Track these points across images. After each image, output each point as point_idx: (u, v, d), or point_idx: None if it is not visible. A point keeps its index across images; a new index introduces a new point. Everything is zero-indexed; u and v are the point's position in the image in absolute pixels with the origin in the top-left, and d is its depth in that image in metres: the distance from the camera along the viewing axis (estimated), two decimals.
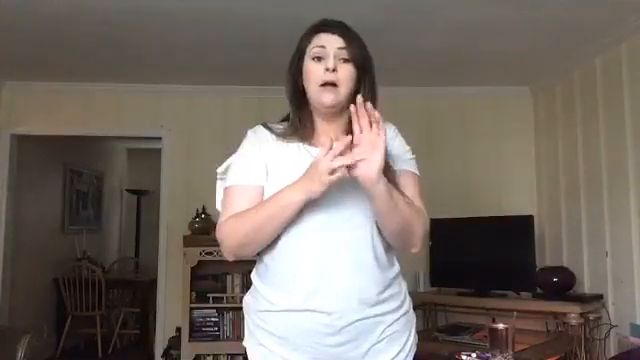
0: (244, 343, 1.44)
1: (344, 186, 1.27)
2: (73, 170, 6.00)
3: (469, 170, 4.46)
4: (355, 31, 1.38)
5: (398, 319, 1.37)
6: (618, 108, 3.30)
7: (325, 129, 1.39)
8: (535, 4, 2.94)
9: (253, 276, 1.42)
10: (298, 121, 1.40)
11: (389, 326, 1.35)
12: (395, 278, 1.39)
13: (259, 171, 1.37)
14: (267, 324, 1.34)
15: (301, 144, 1.38)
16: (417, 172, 1.44)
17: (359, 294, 1.29)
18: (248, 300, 1.43)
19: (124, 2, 2.93)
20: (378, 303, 1.32)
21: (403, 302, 1.41)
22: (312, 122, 1.41)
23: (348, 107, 1.34)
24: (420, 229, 1.36)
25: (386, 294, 1.34)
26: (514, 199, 4.33)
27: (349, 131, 1.31)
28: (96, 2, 2.92)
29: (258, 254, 1.39)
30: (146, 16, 3.11)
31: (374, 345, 1.32)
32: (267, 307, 1.34)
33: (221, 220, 1.37)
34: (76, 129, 4.54)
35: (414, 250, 1.40)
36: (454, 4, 2.96)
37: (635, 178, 3.16)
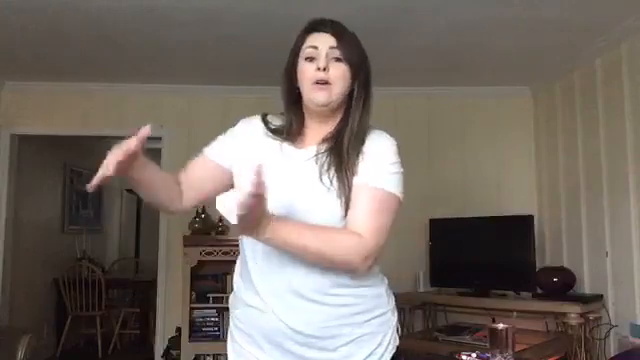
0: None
1: (298, 193, 1.29)
2: (73, 170, 6.00)
3: (469, 170, 4.46)
4: (349, 30, 1.37)
5: (369, 321, 1.33)
6: (618, 108, 3.30)
7: (316, 129, 1.38)
8: (535, 4, 2.94)
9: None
10: (289, 121, 1.39)
11: (358, 328, 1.31)
12: (360, 279, 1.32)
13: (225, 154, 1.41)
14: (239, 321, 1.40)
15: (285, 144, 1.37)
16: (388, 188, 1.29)
17: (310, 295, 1.28)
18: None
19: (124, 2, 2.93)
20: (337, 305, 1.29)
21: (376, 305, 1.36)
22: (302, 123, 1.40)
23: (341, 107, 1.36)
24: (345, 258, 1.24)
25: (345, 296, 1.31)
26: (514, 199, 4.33)
27: (337, 127, 1.34)
28: (96, 2, 2.92)
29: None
30: (146, 16, 3.11)
31: (340, 347, 1.30)
32: (237, 305, 1.41)
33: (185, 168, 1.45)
34: (76, 129, 4.54)
35: (358, 271, 1.27)
36: (454, 4, 2.96)
37: (635, 178, 3.16)
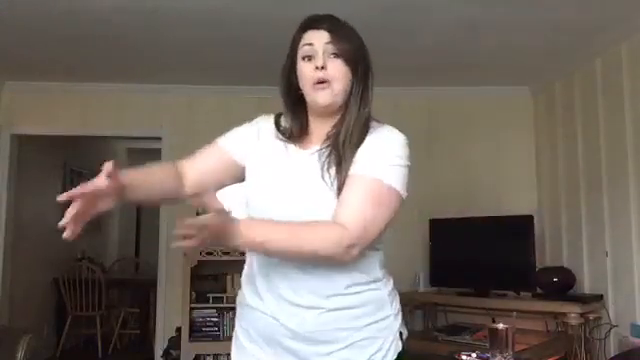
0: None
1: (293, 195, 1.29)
2: (73, 170, 6.00)
3: (469, 170, 4.46)
4: (345, 23, 1.35)
5: (369, 325, 1.29)
6: (618, 108, 3.30)
7: (321, 128, 1.36)
8: (535, 4, 2.94)
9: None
10: (294, 121, 1.38)
11: (356, 332, 1.28)
12: (362, 281, 1.30)
13: (240, 147, 1.40)
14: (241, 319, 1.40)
15: (291, 145, 1.36)
16: (387, 180, 1.25)
17: (308, 297, 1.27)
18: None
19: (124, 2, 2.93)
20: (335, 309, 1.27)
21: (377, 308, 1.32)
22: (306, 123, 1.38)
23: (344, 104, 1.34)
24: (325, 251, 1.20)
25: (346, 298, 1.28)
26: (514, 199, 4.33)
27: (337, 124, 1.33)
28: (96, 2, 2.92)
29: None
30: (146, 16, 3.11)
31: (336, 351, 1.27)
32: (240, 303, 1.41)
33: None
34: (76, 129, 4.54)
35: (343, 262, 1.23)
36: (454, 3, 2.96)
37: (635, 178, 3.16)
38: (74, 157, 5.95)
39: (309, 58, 1.31)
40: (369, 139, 1.30)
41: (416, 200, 4.21)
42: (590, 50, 3.55)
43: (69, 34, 3.38)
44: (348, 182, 1.24)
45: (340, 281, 1.27)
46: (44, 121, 4.44)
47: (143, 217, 7.23)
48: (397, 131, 1.35)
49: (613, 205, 3.37)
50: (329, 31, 1.31)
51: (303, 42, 1.33)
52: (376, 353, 1.29)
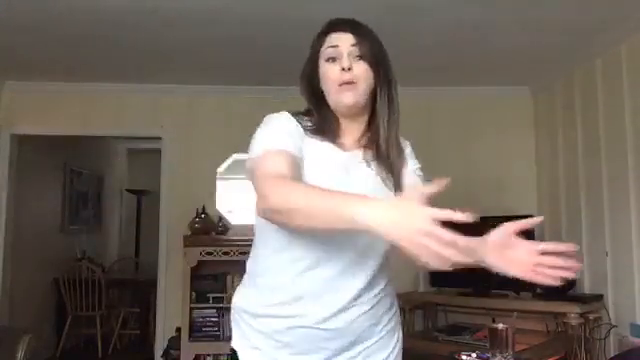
0: (233, 344, 1.42)
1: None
2: (73, 170, 6.00)
3: (469, 170, 4.46)
4: (367, 26, 1.37)
5: (393, 316, 1.41)
6: (618, 108, 3.30)
7: (349, 128, 1.38)
8: (535, 4, 2.94)
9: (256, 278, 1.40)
10: (324, 123, 1.36)
11: (385, 325, 1.38)
12: (385, 277, 1.39)
13: (297, 145, 1.28)
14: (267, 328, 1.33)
15: (331, 144, 1.35)
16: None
17: (350, 297, 1.30)
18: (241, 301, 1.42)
19: (124, 2, 2.93)
20: (372, 306, 1.34)
21: (393, 302, 1.44)
22: (338, 123, 1.37)
23: (368, 104, 1.36)
24: None
25: (377, 296, 1.36)
26: (514, 199, 4.33)
27: (369, 129, 1.36)
28: (96, 2, 2.92)
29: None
30: (146, 16, 3.10)
31: (372, 345, 1.35)
32: (269, 312, 1.33)
33: (263, 173, 1.21)
34: (76, 129, 4.54)
35: None
36: (454, 4, 2.96)
37: (635, 178, 3.16)
38: (74, 157, 5.95)
39: (333, 60, 1.32)
40: (407, 150, 1.44)
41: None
42: (590, 50, 3.55)
43: (69, 34, 3.38)
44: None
45: (380, 279, 1.35)
46: (44, 121, 4.44)
47: (143, 217, 7.22)
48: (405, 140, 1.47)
49: (613, 205, 3.37)
50: (354, 34, 1.33)
51: (327, 44, 1.33)
52: (397, 343, 1.42)
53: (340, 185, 1.26)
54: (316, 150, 1.32)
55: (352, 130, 1.38)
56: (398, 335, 1.44)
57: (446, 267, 0.98)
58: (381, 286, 1.36)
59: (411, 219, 0.99)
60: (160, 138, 4.58)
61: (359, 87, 1.32)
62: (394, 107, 1.38)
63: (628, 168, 3.21)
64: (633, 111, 3.20)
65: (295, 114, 1.37)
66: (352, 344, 1.32)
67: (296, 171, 1.23)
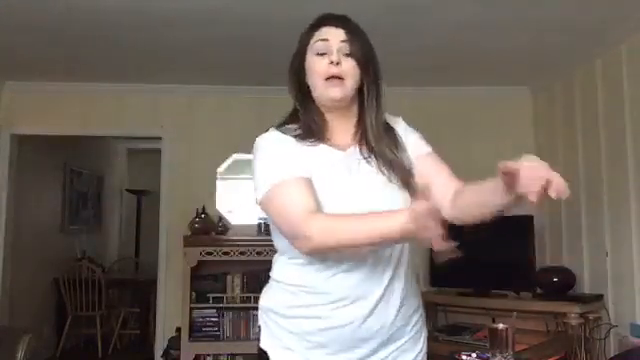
0: (262, 345, 1.39)
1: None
2: (73, 170, 6.00)
3: (469, 170, 4.44)
4: (357, 24, 1.36)
5: (420, 316, 1.43)
6: (618, 108, 3.30)
7: (337, 125, 1.36)
8: (535, 4, 2.94)
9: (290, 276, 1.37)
10: (311, 120, 1.35)
11: (414, 325, 1.39)
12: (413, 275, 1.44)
13: (301, 166, 1.27)
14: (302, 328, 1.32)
15: (324, 145, 1.33)
16: (429, 149, 1.44)
17: (393, 300, 1.33)
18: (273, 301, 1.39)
19: (124, 2, 2.93)
20: (402, 305, 1.35)
21: (419, 301, 1.45)
22: (324, 120, 1.36)
23: (354, 101, 1.34)
24: None
25: (407, 295, 1.37)
26: None
27: (359, 126, 1.35)
28: (96, 2, 2.92)
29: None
30: (146, 16, 3.10)
31: (404, 344, 1.36)
32: (298, 313, 1.31)
33: (291, 212, 1.22)
34: (76, 129, 4.54)
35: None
36: (454, 4, 2.96)
37: (635, 178, 3.16)
38: (74, 157, 5.95)
39: (322, 54, 1.31)
40: (400, 127, 1.41)
41: None
42: (590, 50, 3.55)
43: (69, 34, 3.38)
44: (434, 160, 1.40)
45: (404, 279, 1.36)
46: (44, 121, 4.44)
47: (143, 217, 7.22)
48: (393, 116, 1.45)
49: (613, 205, 3.37)
50: (345, 30, 1.32)
51: (317, 38, 1.33)
52: (424, 342, 1.43)
53: (346, 186, 1.29)
54: (314, 156, 1.31)
55: (342, 127, 1.36)
56: (425, 334, 1.45)
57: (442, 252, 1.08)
58: (406, 286, 1.35)
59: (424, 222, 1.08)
60: (160, 138, 4.58)
61: (347, 83, 1.31)
62: (381, 106, 1.37)
63: (628, 168, 3.21)
64: (633, 111, 3.20)
65: (281, 126, 1.37)
66: (384, 344, 1.32)
67: (314, 195, 1.24)
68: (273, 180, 1.25)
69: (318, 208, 1.23)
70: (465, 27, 3.26)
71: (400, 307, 1.33)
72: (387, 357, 1.33)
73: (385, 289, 1.30)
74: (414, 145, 1.40)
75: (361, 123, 1.36)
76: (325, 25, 1.34)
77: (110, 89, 4.46)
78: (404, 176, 1.34)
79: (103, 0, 2.90)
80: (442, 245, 1.06)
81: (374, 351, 1.31)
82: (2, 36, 3.40)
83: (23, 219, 4.69)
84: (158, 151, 4.65)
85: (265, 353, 1.35)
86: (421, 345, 1.41)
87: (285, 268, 1.36)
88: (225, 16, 3.12)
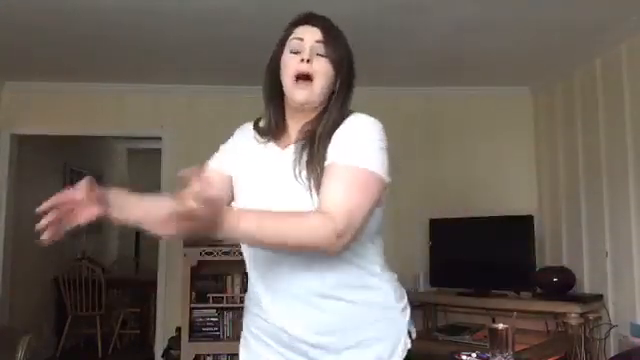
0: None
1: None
2: (73, 170, 6.00)
3: (469, 170, 4.46)
4: (337, 27, 1.34)
5: (373, 324, 1.29)
6: (618, 108, 3.30)
7: (297, 125, 1.34)
8: (535, 4, 2.94)
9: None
10: (270, 118, 1.37)
11: (363, 332, 1.27)
12: (363, 278, 1.30)
13: (230, 163, 1.40)
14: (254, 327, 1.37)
15: (270, 144, 1.36)
16: (363, 165, 1.20)
17: (309, 299, 1.28)
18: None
19: (124, 2, 2.93)
20: (338, 309, 1.27)
21: (382, 306, 1.32)
22: (283, 119, 1.36)
23: (323, 104, 1.32)
24: (312, 241, 1.14)
25: (348, 298, 1.27)
26: (514, 199, 4.33)
27: (316, 126, 1.29)
28: (96, 2, 2.92)
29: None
30: (146, 16, 3.11)
31: (344, 350, 1.26)
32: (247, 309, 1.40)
33: None
34: (76, 129, 4.54)
35: (332, 253, 1.18)
36: (454, 4, 2.96)
37: (635, 178, 3.16)
38: (74, 157, 5.95)
39: (296, 52, 1.30)
40: (341, 128, 1.27)
41: (416, 200, 4.24)
42: (590, 50, 3.55)
43: (69, 34, 3.38)
44: (327, 172, 1.20)
45: (334, 278, 1.25)
46: (44, 121, 4.44)
47: None
48: (366, 115, 1.30)
49: (613, 205, 3.37)
50: (321, 30, 1.31)
51: (293, 36, 1.33)
52: (384, 352, 1.27)
53: (257, 183, 1.32)
54: (256, 155, 1.36)
55: (298, 127, 1.34)
56: (384, 348, 1.29)
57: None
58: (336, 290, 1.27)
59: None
60: (160, 138, 4.58)
61: (315, 83, 1.28)
62: (345, 112, 1.32)
63: (628, 168, 3.21)
64: (633, 111, 3.20)
65: (258, 120, 1.43)
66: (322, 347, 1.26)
67: (221, 186, 1.35)
68: (210, 163, 1.42)
69: None
70: (465, 27, 3.26)
71: (342, 309, 1.26)
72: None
73: (316, 286, 1.26)
74: (344, 142, 1.25)
75: (317, 117, 1.32)
76: (303, 24, 1.34)
77: (110, 89, 4.46)
78: (314, 178, 1.23)
79: (103, 0, 2.90)
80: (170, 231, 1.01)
81: (308, 350, 1.27)
82: (2, 36, 3.40)
83: (23, 219, 4.68)
84: (158, 151, 4.65)
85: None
86: (378, 354, 1.27)
87: None
88: (225, 16, 3.12)
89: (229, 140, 1.47)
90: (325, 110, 1.32)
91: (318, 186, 1.21)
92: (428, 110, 4.54)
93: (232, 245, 4.09)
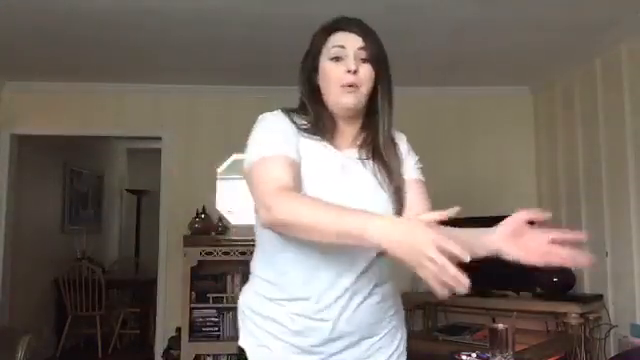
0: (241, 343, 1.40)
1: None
2: (73, 170, 6.00)
3: (469, 170, 4.46)
4: (372, 28, 1.35)
5: (393, 315, 1.41)
6: (618, 108, 3.30)
7: (345, 129, 1.36)
8: (535, 4, 2.95)
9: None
10: (320, 120, 1.34)
11: (388, 323, 1.39)
12: (390, 274, 1.42)
13: (294, 147, 1.27)
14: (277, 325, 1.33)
15: (326, 143, 1.33)
16: (423, 178, 1.45)
17: (359, 295, 1.31)
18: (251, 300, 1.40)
19: (124, 2, 2.93)
20: (377, 302, 1.35)
21: (397, 299, 1.45)
22: (334, 122, 1.35)
23: (369, 108, 1.35)
24: None
25: (382, 293, 1.36)
26: (514, 199, 4.32)
27: (364, 128, 1.35)
28: (96, 2, 2.92)
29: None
30: (146, 16, 3.11)
31: (378, 341, 1.35)
32: (273, 307, 1.33)
33: (264, 182, 1.19)
34: (76, 129, 4.55)
35: None
36: (454, 4, 2.96)
37: (635, 178, 3.16)
38: (74, 157, 5.95)
39: (337, 59, 1.30)
40: (403, 146, 1.42)
41: None
42: (590, 50, 3.55)
43: (69, 34, 3.38)
44: (413, 186, 1.37)
45: (383, 275, 1.34)
46: (44, 121, 4.44)
47: (143, 217, 7.23)
48: (401, 134, 1.46)
49: (613, 205, 3.37)
50: (362, 36, 1.31)
51: (333, 43, 1.31)
52: (401, 340, 1.41)
53: (337, 184, 1.28)
54: (311, 150, 1.31)
55: (348, 130, 1.37)
56: (402, 335, 1.43)
57: (445, 296, 1.03)
58: (377, 284, 1.33)
59: (415, 241, 1.04)
60: (160, 138, 4.58)
61: (361, 90, 1.30)
62: (392, 107, 1.38)
63: (628, 168, 3.21)
64: (633, 111, 3.20)
65: (289, 111, 1.36)
66: (356, 342, 1.32)
67: (297, 177, 1.22)
68: (265, 153, 1.23)
69: (295, 188, 1.19)
70: (465, 27, 3.26)
71: (366, 304, 1.31)
72: (361, 355, 1.33)
73: (345, 285, 1.28)
74: (409, 167, 1.40)
75: (366, 127, 1.37)
76: (341, 30, 1.33)
77: (110, 89, 4.46)
78: (397, 187, 1.33)
79: (103, 0, 2.90)
80: (443, 291, 1.03)
81: (347, 347, 1.31)
82: (2, 36, 3.40)
83: (23, 219, 4.70)
84: (158, 151, 4.65)
85: (243, 351, 1.37)
86: (396, 344, 1.40)
87: (258, 261, 1.39)
88: (226, 16, 3.12)
89: (282, 123, 1.31)
90: (370, 113, 1.36)
91: (397, 197, 1.33)
92: (428, 110, 4.54)
93: (232, 245, 4.10)
